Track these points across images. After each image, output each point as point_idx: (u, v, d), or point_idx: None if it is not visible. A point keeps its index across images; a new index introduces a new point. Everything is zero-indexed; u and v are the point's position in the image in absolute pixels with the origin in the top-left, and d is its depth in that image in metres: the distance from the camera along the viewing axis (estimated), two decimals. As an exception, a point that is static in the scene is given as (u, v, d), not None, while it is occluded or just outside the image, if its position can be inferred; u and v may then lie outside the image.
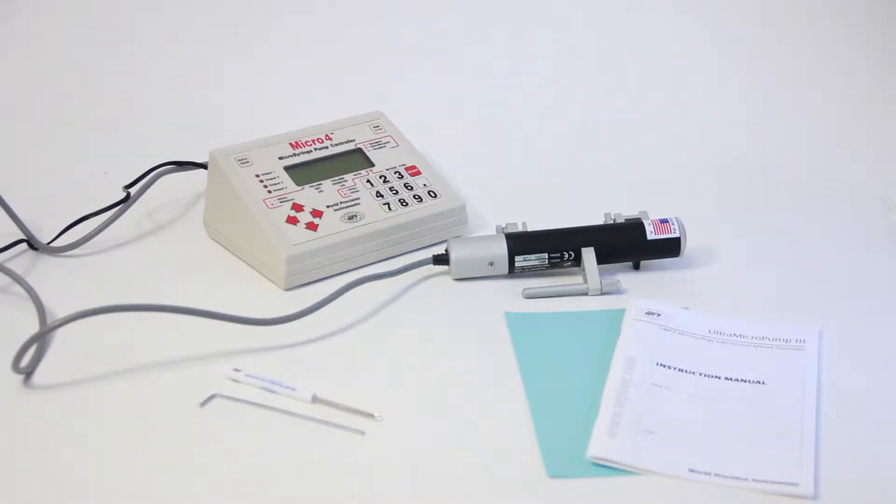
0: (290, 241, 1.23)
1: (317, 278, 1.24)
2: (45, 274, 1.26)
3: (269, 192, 1.27)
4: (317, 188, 1.29)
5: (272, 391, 1.07)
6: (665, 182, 1.44)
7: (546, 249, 1.24)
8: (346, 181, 1.31)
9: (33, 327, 1.15)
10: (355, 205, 1.28)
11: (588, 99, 1.60)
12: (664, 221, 1.26)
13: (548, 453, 1.00)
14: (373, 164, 1.33)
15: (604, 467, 0.99)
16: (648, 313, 1.17)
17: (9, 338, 1.10)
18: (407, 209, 1.30)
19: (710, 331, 1.16)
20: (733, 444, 1.02)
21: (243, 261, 1.28)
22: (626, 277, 1.25)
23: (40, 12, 1.67)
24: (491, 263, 1.24)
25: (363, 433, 1.03)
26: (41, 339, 1.11)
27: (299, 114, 1.46)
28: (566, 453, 1.00)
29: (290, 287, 1.23)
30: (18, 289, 1.22)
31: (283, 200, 1.26)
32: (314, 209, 1.27)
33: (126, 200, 1.34)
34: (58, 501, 0.97)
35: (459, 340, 1.16)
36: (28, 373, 1.09)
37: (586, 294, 1.22)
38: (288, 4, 1.67)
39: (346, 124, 1.36)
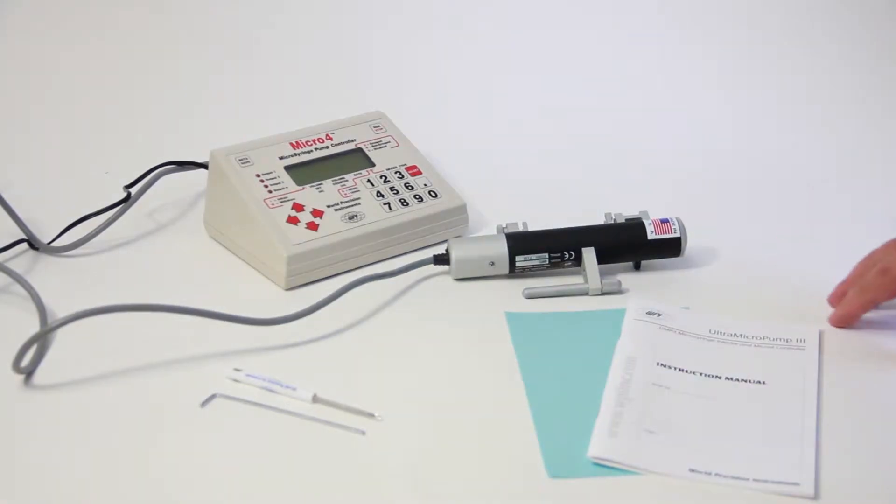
0: (291, 240, 1.23)
1: (317, 278, 1.24)
2: (45, 274, 1.26)
3: (270, 191, 1.27)
4: (317, 188, 1.29)
5: (272, 391, 1.07)
6: (665, 182, 1.44)
7: (546, 249, 1.24)
8: (346, 181, 1.30)
9: (33, 327, 1.15)
10: (356, 205, 1.28)
11: (588, 99, 1.60)
12: (664, 221, 1.26)
13: (548, 453, 1.00)
14: (373, 164, 1.33)
15: (604, 467, 0.99)
16: (649, 313, 1.17)
17: (9, 338, 1.10)
18: (407, 209, 1.30)
19: (710, 331, 1.16)
20: (733, 444, 1.02)
21: (243, 261, 1.27)
22: (626, 277, 1.25)
23: (40, 12, 1.67)
24: (491, 263, 1.24)
25: (363, 433, 1.03)
26: (41, 339, 1.11)
27: (299, 114, 1.46)
28: (566, 453, 1.00)
29: (291, 287, 1.23)
30: (19, 289, 1.22)
31: (283, 200, 1.26)
32: (315, 209, 1.27)
33: (126, 200, 1.34)
34: (58, 501, 0.97)
35: (459, 340, 1.16)
36: (28, 373, 1.09)
37: (587, 294, 1.22)
38: (288, 4, 1.67)
39: (347, 124, 1.36)
